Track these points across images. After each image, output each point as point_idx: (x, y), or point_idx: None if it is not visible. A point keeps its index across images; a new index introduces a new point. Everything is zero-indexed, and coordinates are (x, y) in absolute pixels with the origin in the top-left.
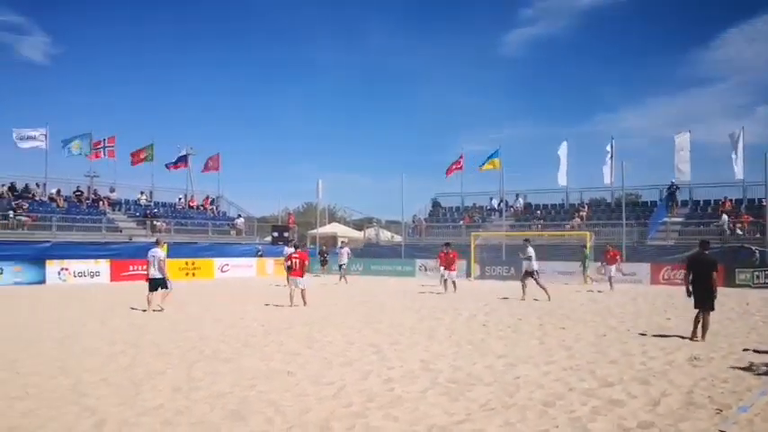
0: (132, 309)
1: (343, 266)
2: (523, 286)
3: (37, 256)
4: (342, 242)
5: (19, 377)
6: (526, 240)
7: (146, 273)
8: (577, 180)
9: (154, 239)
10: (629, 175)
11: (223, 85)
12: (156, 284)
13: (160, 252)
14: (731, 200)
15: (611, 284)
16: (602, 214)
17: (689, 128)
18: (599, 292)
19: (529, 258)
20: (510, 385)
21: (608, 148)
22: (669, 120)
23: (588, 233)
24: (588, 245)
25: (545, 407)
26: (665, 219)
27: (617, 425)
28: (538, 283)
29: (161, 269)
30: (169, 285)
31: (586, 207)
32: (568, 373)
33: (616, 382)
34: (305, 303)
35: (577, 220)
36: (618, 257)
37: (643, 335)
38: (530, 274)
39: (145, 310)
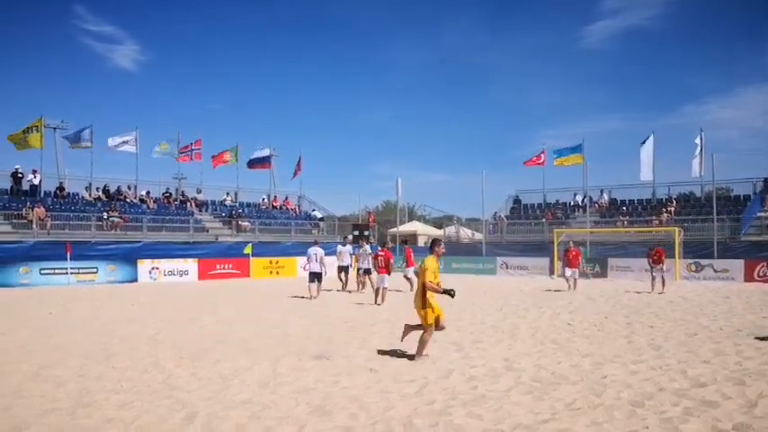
0: (293, 297)
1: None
2: (363, 281)
3: (129, 256)
4: (344, 238)
5: (115, 371)
6: (345, 238)
7: (307, 268)
8: (664, 174)
9: (313, 240)
10: (719, 169)
11: (302, 85)
12: (315, 277)
13: (321, 250)
14: None
15: (653, 284)
16: (692, 209)
17: None
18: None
19: (340, 255)
20: (597, 384)
21: (697, 141)
22: (761, 110)
23: (677, 229)
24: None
25: (634, 407)
26: (760, 213)
27: (711, 426)
28: (340, 278)
29: (323, 264)
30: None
31: (674, 202)
32: (658, 373)
33: (709, 382)
34: (383, 301)
35: (665, 215)
36: (663, 257)
37: (737, 334)
38: (344, 269)
39: (305, 297)
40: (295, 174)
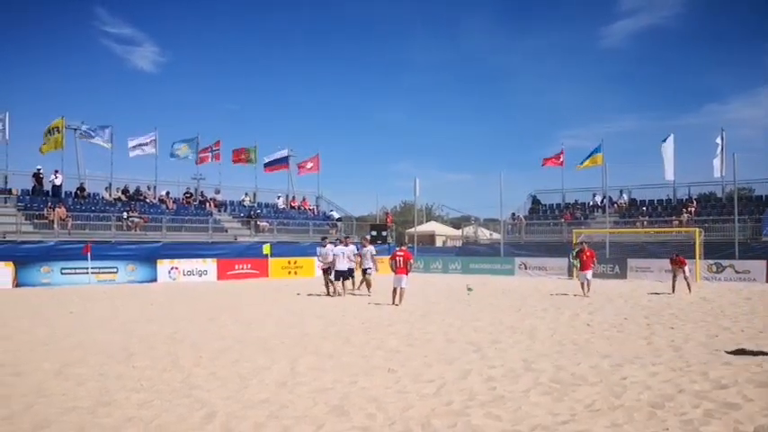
0: (310, 294)
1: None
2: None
3: (149, 256)
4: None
5: (135, 371)
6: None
7: (328, 267)
8: (684, 174)
9: (336, 239)
10: (740, 168)
11: (319, 85)
12: (340, 275)
13: (347, 249)
14: None
15: (673, 285)
16: (712, 210)
17: None
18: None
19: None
20: (616, 386)
21: (718, 140)
22: None
23: (697, 229)
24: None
25: (654, 408)
26: None
27: (732, 429)
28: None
29: (352, 261)
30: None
31: (695, 202)
32: (678, 375)
33: (730, 384)
34: (401, 301)
35: (685, 215)
36: (685, 264)
37: (759, 335)
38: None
39: (330, 295)
40: (304, 168)
